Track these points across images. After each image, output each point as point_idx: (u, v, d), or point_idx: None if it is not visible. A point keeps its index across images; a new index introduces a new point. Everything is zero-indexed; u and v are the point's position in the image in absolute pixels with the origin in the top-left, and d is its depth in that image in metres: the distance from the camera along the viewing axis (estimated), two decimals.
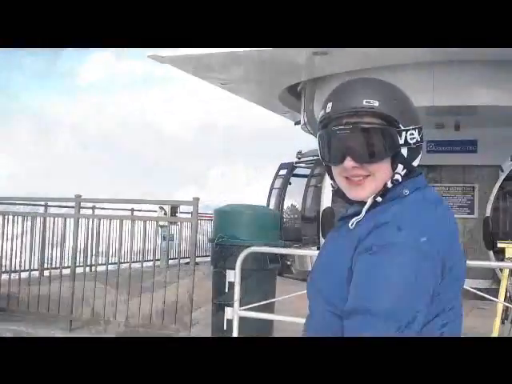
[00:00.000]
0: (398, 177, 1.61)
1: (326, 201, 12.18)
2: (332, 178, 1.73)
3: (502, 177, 11.27)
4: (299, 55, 10.56)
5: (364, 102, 1.59)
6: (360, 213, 1.61)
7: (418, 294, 1.45)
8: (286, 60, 10.81)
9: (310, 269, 12.00)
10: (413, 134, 1.63)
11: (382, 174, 1.61)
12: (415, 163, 1.67)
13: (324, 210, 12.18)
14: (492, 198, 11.30)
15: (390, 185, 1.61)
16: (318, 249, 11.99)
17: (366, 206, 1.61)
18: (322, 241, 12.08)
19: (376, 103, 1.59)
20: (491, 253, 10.94)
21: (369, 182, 1.62)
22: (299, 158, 14.06)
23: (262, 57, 10.62)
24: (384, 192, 1.61)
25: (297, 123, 15.29)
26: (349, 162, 1.60)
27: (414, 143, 1.63)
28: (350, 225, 1.62)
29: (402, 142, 1.61)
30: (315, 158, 13.10)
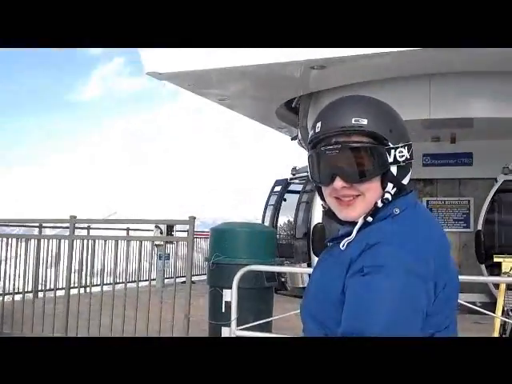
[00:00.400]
0: (388, 196, 1.60)
1: (317, 217, 12.21)
2: (322, 198, 1.71)
3: (494, 190, 11.29)
4: (296, 70, 10.57)
5: (353, 121, 1.58)
6: (351, 233, 1.59)
7: (410, 315, 1.43)
8: (283, 75, 10.83)
9: (301, 285, 11.95)
10: (402, 152, 1.61)
11: (372, 193, 1.60)
12: (405, 181, 1.65)
13: (315, 226, 12.22)
14: (483, 211, 11.31)
15: (380, 204, 1.59)
16: (309, 265, 11.97)
17: (357, 227, 1.59)
18: (313, 257, 12.04)
19: (364, 121, 1.58)
20: (483, 267, 10.95)
21: (359, 201, 1.60)
22: (294, 175, 14.08)
23: (259, 72, 10.64)
24: (374, 211, 1.59)
25: (293, 138, 15.29)
26: (338, 182, 1.59)
27: (404, 161, 1.62)
28: (341, 246, 1.59)
29: (391, 160, 1.60)
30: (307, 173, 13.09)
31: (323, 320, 1.57)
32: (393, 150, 1.59)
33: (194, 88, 12.30)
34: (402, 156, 1.61)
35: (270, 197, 14.59)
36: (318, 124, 1.63)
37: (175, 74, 10.88)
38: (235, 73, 10.69)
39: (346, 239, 1.59)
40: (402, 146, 1.61)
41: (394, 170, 1.60)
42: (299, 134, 13.58)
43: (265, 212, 14.45)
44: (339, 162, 1.58)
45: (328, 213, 1.71)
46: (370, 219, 1.58)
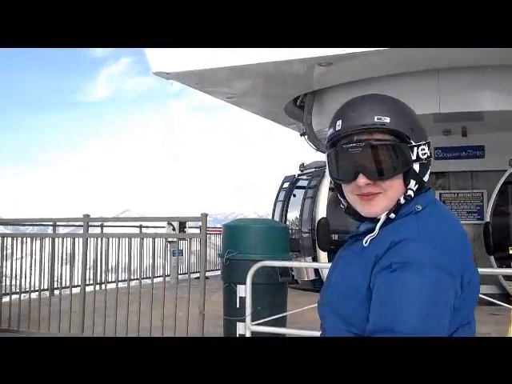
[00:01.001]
0: (410, 192, 1.60)
1: (321, 212, 12.29)
2: (342, 195, 1.72)
3: (501, 182, 11.28)
4: (303, 67, 10.57)
5: (375, 119, 1.58)
6: (373, 230, 1.59)
7: (440, 311, 1.43)
8: (291, 72, 10.82)
9: (306, 278, 11.93)
10: (424, 150, 1.62)
11: (394, 190, 1.61)
12: (425, 178, 1.66)
13: (319, 220, 12.29)
14: (491, 203, 11.30)
15: (402, 201, 1.60)
16: (314, 259, 12.01)
17: (380, 223, 1.59)
18: (318, 251, 12.06)
19: (387, 119, 1.58)
20: (492, 258, 10.93)
21: (382, 198, 1.61)
22: (302, 171, 14.14)
23: (266, 70, 10.63)
24: (397, 208, 1.60)
25: (302, 134, 15.30)
26: (361, 179, 1.59)
27: (426, 158, 1.63)
28: (364, 242, 1.60)
29: (414, 157, 1.61)
30: (314, 169, 13.20)
31: (348, 317, 1.57)
32: (415, 148, 1.60)
33: (201, 87, 12.30)
34: (424, 154, 1.62)
35: (279, 193, 14.67)
36: (339, 122, 1.62)
37: (182, 73, 10.89)
38: (242, 71, 10.68)
39: (369, 236, 1.59)
40: (423, 144, 1.62)
41: (416, 167, 1.61)
42: (304, 131, 13.64)
43: (274, 208, 14.55)
44: (362, 160, 1.58)
45: (348, 210, 1.71)
46: (392, 216, 1.59)
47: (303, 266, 11.88)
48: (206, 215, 7.30)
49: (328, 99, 12.40)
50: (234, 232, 6.71)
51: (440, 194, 12.54)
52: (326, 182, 12.18)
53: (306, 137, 13.46)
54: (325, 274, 11.68)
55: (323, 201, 12.31)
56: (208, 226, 8.03)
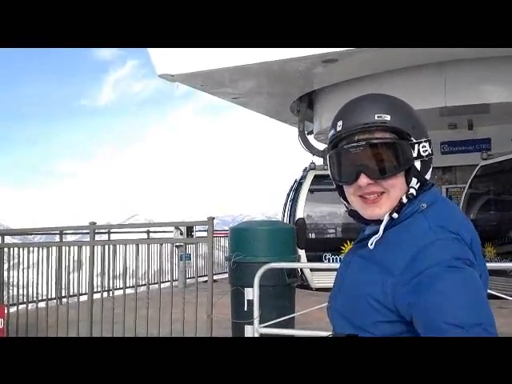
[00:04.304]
0: (412, 191, 1.58)
1: (299, 212, 12.67)
2: (344, 198, 1.70)
3: (472, 176, 11.23)
4: (309, 64, 10.55)
5: (376, 117, 1.57)
6: (377, 232, 1.57)
7: (485, 300, 1.42)
8: (296, 70, 10.81)
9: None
10: (425, 147, 1.61)
11: (397, 189, 1.59)
12: (427, 176, 1.64)
13: (297, 221, 12.60)
14: (463, 198, 11.20)
15: (405, 200, 1.58)
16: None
17: (383, 224, 1.57)
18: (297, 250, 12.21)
19: (387, 117, 1.57)
20: None
21: (384, 199, 1.59)
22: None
23: (270, 68, 10.63)
24: (399, 208, 1.58)
25: (309, 133, 15.29)
26: (363, 179, 1.57)
27: (427, 156, 1.61)
28: (369, 244, 1.58)
29: (415, 154, 1.59)
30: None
31: (362, 325, 1.54)
32: (416, 145, 1.59)
33: (206, 88, 12.34)
34: (426, 151, 1.60)
35: (287, 195, 14.76)
36: (339, 122, 1.61)
37: (187, 74, 10.93)
38: (246, 70, 10.71)
39: (373, 237, 1.58)
40: (424, 141, 1.60)
41: (417, 165, 1.59)
42: (299, 138, 13.78)
43: (283, 210, 14.66)
44: (364, 159, 1.57)
45: (351, 213, 1.70)
46: (395, 216, 1.57)
47: (312, 267, 11.88)
48: (213, 219, 7.24)
49: (327, 100, 12.48)
50: (241, 235, 6.69)
51: (447, 188, 12.47)
52: (306, 185, 12.40)
53: (300, 142, 13.67)
54: (306, 272, 11.80)
55: (302, 202, 12.76)
56: (216, 228, 8.00)
